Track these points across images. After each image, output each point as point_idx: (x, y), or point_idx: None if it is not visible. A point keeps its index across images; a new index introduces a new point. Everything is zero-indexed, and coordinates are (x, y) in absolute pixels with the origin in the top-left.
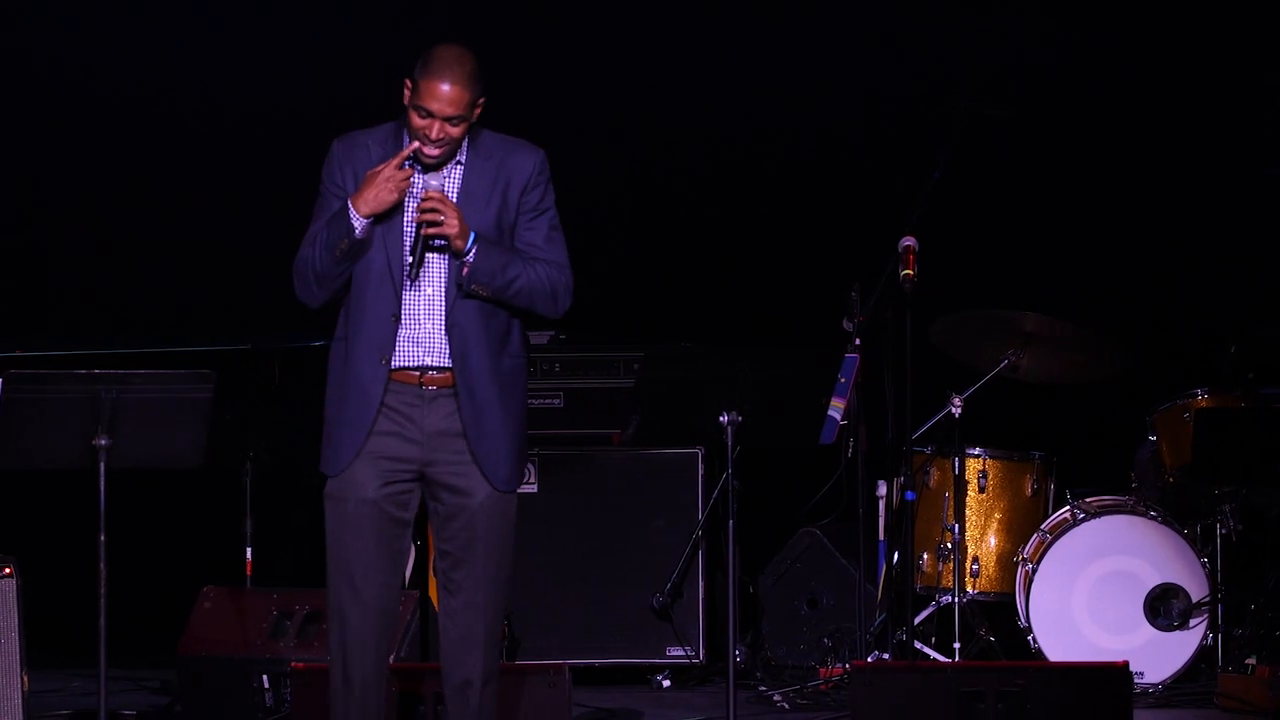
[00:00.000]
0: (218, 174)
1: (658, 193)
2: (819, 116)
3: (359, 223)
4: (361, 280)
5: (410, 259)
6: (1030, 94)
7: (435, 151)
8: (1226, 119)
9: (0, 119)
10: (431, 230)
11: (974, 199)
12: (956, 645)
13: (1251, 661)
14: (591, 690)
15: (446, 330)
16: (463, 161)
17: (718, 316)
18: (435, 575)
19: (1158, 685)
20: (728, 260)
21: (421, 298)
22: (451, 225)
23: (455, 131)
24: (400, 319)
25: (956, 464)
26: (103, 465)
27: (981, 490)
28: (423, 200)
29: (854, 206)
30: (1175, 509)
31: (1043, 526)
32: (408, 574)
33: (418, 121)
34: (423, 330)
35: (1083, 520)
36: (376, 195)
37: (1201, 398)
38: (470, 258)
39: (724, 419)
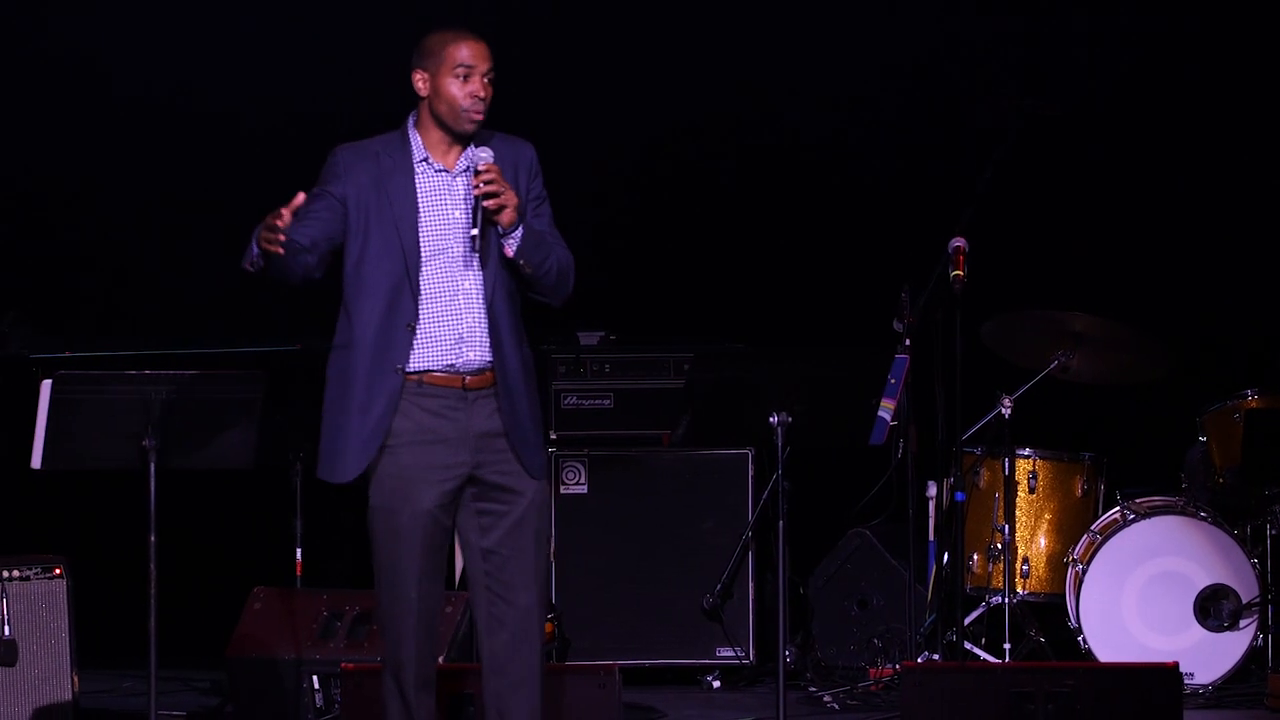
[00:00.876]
0: (270, 173)
1: (708, 193)
2: (872, 116)
3: (255, 253)
4: (372, 286)
5: (475, 230)
6: (1080, 93)
7: (480, 113)
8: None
9: (50, 121)
10: (490, 203)
11: (1024, 199)
12: (1006, 646)
13: None
14: (641, 691)
15: (488, 319)
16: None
17: (768, 317)
18: (470, 580)
19: (1208, 686)
20: (778, 260)
21: (459, 292)
22: (511, 195)
23: (490, 91)
24: (415, 327)
25: (1006, 464)
26: (153, 466)
27: (1031, 491)
28: (482, 172)
29: (905, 207)
30: (1225, 510)
31: (1093, 527)
32: (457, 576)
33: (459, 90)
34: (464, 325)
35: (1133, 521)
36: (263, 242)
37: (1252, 398)
38: (519, 233)
39: (774, 419)
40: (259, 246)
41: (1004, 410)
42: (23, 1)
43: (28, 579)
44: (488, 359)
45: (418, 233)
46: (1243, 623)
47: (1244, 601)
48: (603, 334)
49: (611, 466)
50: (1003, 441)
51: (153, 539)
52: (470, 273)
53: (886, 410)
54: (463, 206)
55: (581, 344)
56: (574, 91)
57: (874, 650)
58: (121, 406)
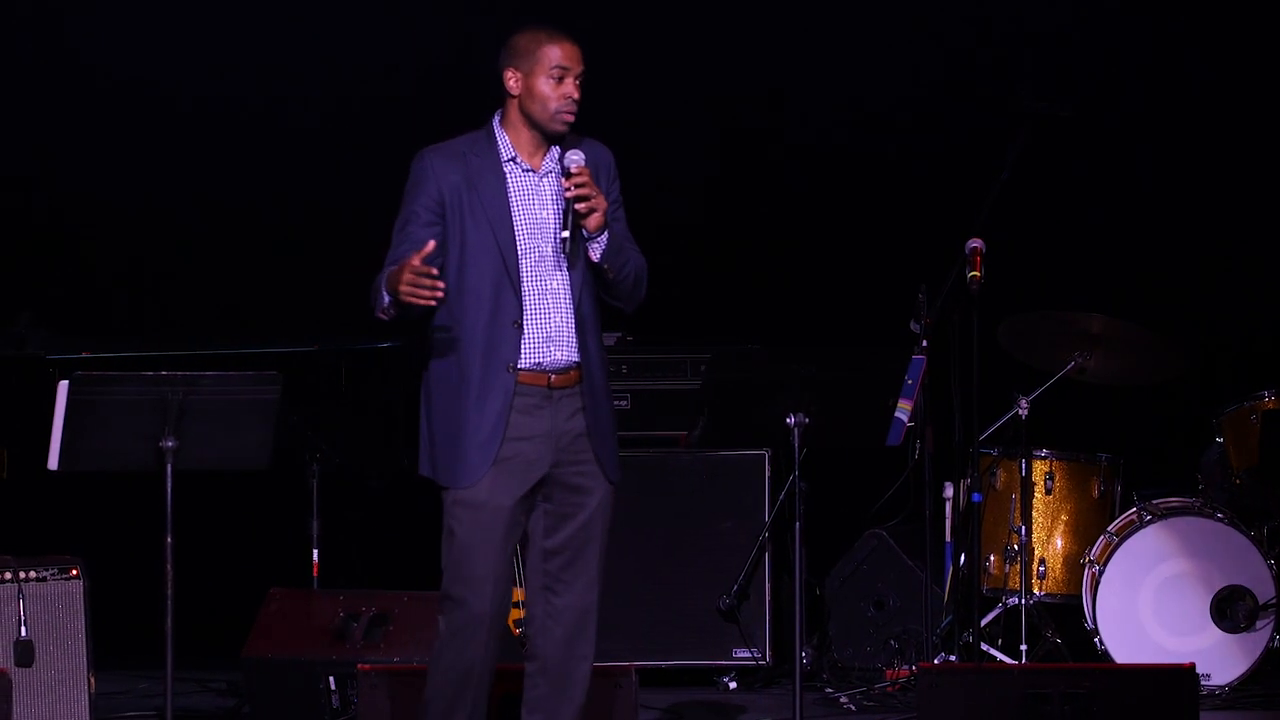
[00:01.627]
0: (286, 175)
1: (725, 194)
2: (888, 118)
3: (386, 301)
4: (476, 284)
5: (566, 234)
6: (1097, 93)
7: (573, 114)
8: None
9: (64, 121)
10: (582, 206)
11: (1041, 200)
12: (1023, 647)
13: None
14: (658, 692)
15: (576, 321)
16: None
17: (785, 318)
18: (528, 577)
19: (1224, 687)
20: (795, 261)
21: (548, 292)
22: (600, 201)
23: (579, 92)
24: (522, 324)
25: (1023, 466)
26: (169, 467)
27: (1048, 492)
28: (575, 174)
29: (922, 208)
30: (1242, 511)
31: (1109, 528)
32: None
33: (552, 91)
34: (552, 325)
35: (1149, 522)
36: (410, 290)
37: (1269, 399)
38: (604, 237)
39: (790, 420)
40: (399, 296)
41: (1021, 411)
42: (31, 3)
43: (45, 580)
44: (574, 359)
45: (513, 231)
46: (1259, 624)
47: (1261, 602)
48: (620, 335)
49: (628, 467)
50: (1019, 442)
51: (169, 540)
52: (559, 273)
53: (903, 411)
54: (550, 207)
55: None
56: (590, 92)
57: (890, 651)
58: (138, 407)
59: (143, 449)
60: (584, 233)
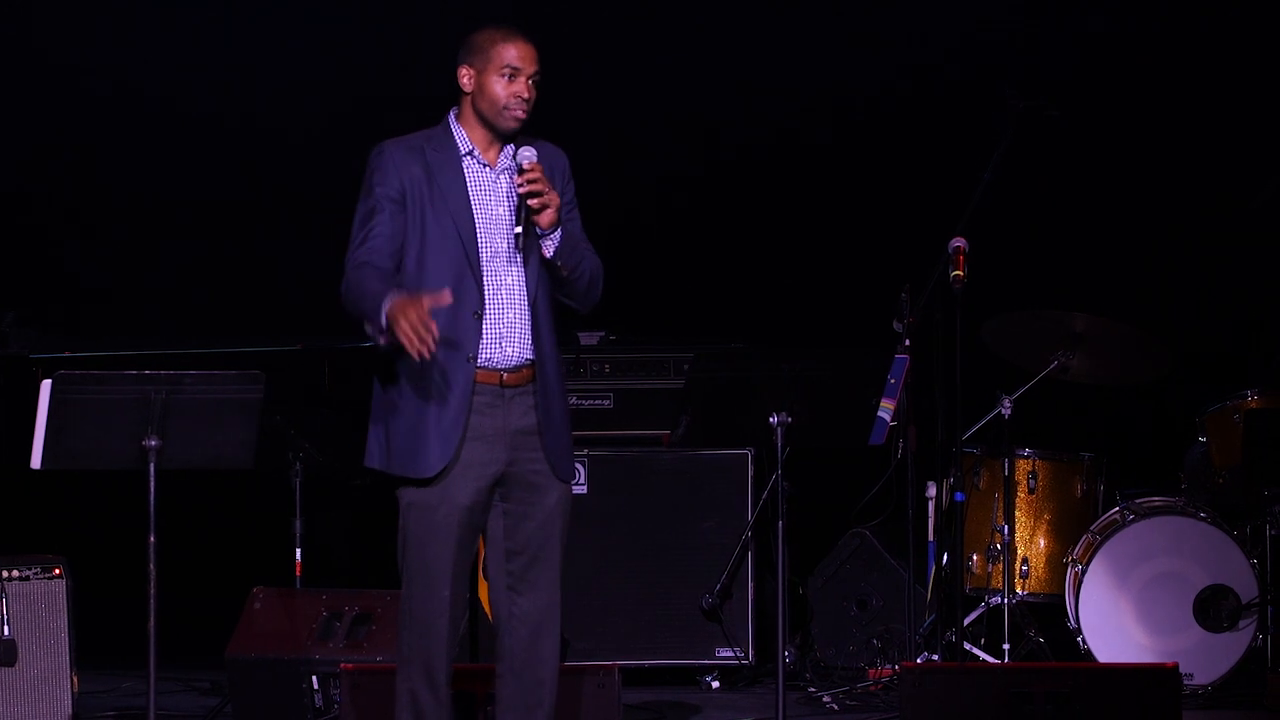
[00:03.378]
0: (268, 174)
1: (707, 192)
2: (871, 116)
3: (383, 322)
4: (436, 274)
5: (518, 229)
6: (1082, 90)
7: (524, 113)
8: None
9: (46, 121)
10: (534, 202)
11: (1025, 199)
12: (1006, 646)
13: None
14: (641, 691)
15: (531, 318)
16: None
17: (768, 317)
18: (491, 578)
19: (1207, 687)
20: (778, 260)
21: (502, 288)
22: (554, 198)
23: (533, 93)
24: (482, 315)
25: (1006, 465)
26: (152, 466)
27: (1031, 491)
28: (527, 170)
29: (905, 207)
30: (1225, 510)
31: (1092, 528)
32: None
33: (503, 89)
34: (504, 322)
35: (1132, 521)
36: (408, 332)
37: (1252, 399)
38: (557, 234)
39: (773, 420)
40: (394, 329)
41: (1004, 410)
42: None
43: (27, 579)
44: (528, 356)
45: (474, 223)
46: (1242, 623)
47: (1243, 602)
48: (602, 334)
49: (611, 466)
50: (1002, 442)
51: (152, 539)
52: (514, 269)
53: (886, 410)
54: (506, 204)
55: (581, 344)
56: (569, 92)
57: (873, 651)
58: (121, 406)
59: (126, 448)
60: (537, 230)
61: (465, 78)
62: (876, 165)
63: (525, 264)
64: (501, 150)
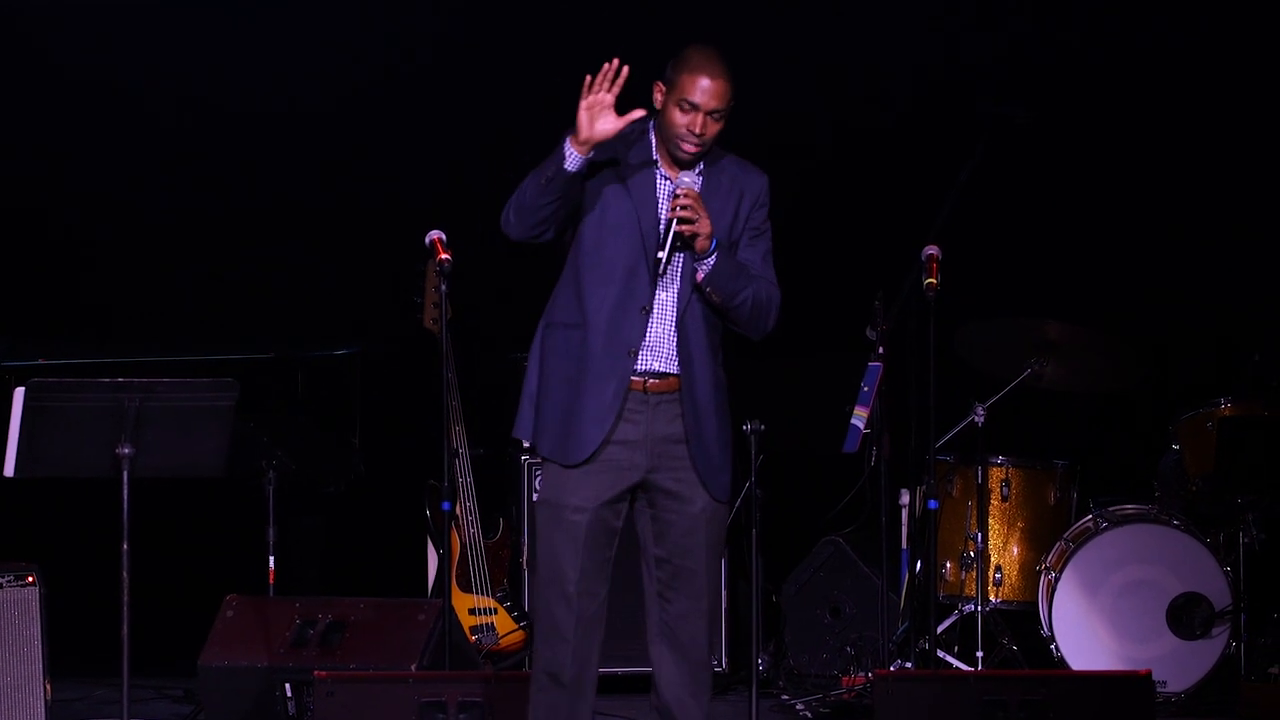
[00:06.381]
0: (240, 181)
1: None
2: (844, 124)
3: (570, 154)
4: (610, 264)
5: (663, 253)
6: (1054, 98)
7: (693, 147)
8: (1252, 122)
9: (27, 122)
10: (683, 227)
11: (997, 206)
12: (979, 654)
13: (1274, 670)
14: (614, 699)
15: (677, 334)
16: (701, 171)
17: None
18: (645, 582)
19: (1180, 694)
20: None
21: (655, 301)
22: (705, 224)
23: (715, 128)
24: (649, 313)
25: (980, 472)
26: (126, 474)
27: (1004, 499)
28: (678, 195)
29: (878, 214)
30: (1198, 518)
31: (1065, 535)
32: (430, 583)
33: (679, 118)
34: (653, 334)
35: (1105, 529)
36: (587, 125)
37: (1225, 406)
38: (711, 260)
39: (746, 427)
40: (577, 132)
41: (977, 418)
42: None
43: (0, 587)
44: (673, 370)
45: (658, 220)
46: (1215, 631)
47: (1216, 609)
48: None
49: None
50: (976, 449)
51: (126, 547)
52: (671, 285)
53: (860, 418)
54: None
55: None
56: (545, 88)
57: (847, 658)
58: (94, 414)
59: (99, 455)
60: (692, 254)
61: (657, 94)
62: (849, 173)
63: (682, 281)
64: (681, 170)
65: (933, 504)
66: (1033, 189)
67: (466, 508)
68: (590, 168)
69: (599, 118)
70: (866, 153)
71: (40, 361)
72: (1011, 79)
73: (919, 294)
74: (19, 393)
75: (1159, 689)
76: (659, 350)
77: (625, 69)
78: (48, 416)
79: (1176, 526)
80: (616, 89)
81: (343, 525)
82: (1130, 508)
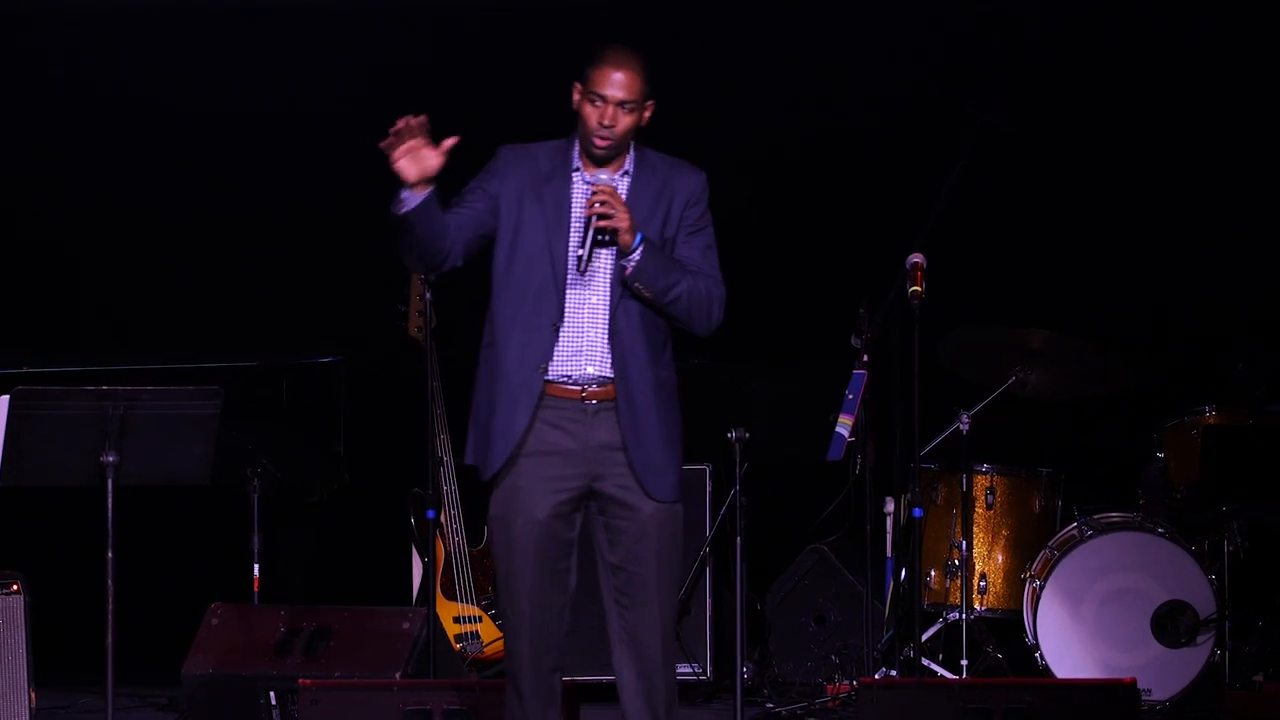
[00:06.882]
0: (224, 189)
1: None
2: (829, 130)
3: (406, 197)
4: (521, 285)
5: (581, 251)
6: (1040, 106)
7: (605, 140)
8: (1236, 132)
9: (9, 128)
10: (601, 224)
11: (982, 215)
12: (964, 662)
13: (1259, 679)
14: (597, 708)
15: (609, 337)
16: (630, 173)
17: (726, 332)
18: (603, 590)
19: (1165, 702)
20: (735, 277)
21: (585, 305)
22: (622, 219)
23: (626, 120)
24: (560, 328)
25: (964, 481)
26: (110, 482)
27: (989, 507)
28: (593, 194)
29: (863, 222)
30: (1183, 526)
31: (1050, 543)
32: (414, 591)
33: (591, 113)
34: (585, 339)
35: (1090, 537)
36: (413, 171)
37: (1209, 414)
38: (636, 255)
39: (731, 435)
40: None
41: (962, 426)
42: None
43: None
44: (608, 374)
45: (567, 239)
46: (1200, 639)
47: (1201, 617)
48: None
49: None
50: (960, 457)
51: (110, 555)
52: (600, 288)
53: (844, 426)
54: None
55: None
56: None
57: (831, 666)
58: (79, 422)
59: (83, 464)
60: (617, 251)
61: (575, 94)
62: (835, 181)
63: (611, 283)
64: (605, 168)
65: (917, 512)
66: (1017, 197)
67: (451, 516)
68: (503, 185)
69: (419, 160)
70: (851, 161)
71: (24, 369)
72: (994, 87)
73: (904, 302)
74: (3, 401)
75: (1143, 697)
76: (593, 355)
77: (419, 119)
78: (32, 424)
79: (1161, 534)
80: (423, 120)
81: (328, 533)
82: (1115, 516)
